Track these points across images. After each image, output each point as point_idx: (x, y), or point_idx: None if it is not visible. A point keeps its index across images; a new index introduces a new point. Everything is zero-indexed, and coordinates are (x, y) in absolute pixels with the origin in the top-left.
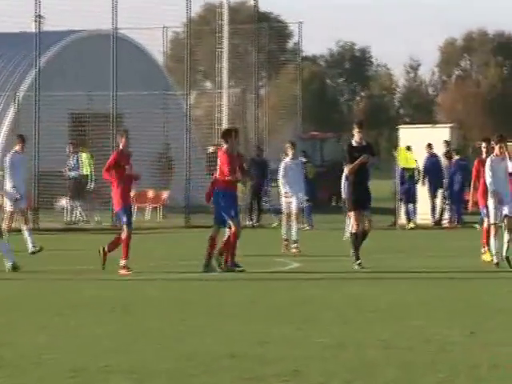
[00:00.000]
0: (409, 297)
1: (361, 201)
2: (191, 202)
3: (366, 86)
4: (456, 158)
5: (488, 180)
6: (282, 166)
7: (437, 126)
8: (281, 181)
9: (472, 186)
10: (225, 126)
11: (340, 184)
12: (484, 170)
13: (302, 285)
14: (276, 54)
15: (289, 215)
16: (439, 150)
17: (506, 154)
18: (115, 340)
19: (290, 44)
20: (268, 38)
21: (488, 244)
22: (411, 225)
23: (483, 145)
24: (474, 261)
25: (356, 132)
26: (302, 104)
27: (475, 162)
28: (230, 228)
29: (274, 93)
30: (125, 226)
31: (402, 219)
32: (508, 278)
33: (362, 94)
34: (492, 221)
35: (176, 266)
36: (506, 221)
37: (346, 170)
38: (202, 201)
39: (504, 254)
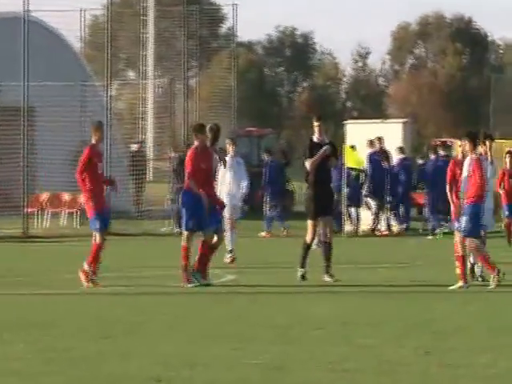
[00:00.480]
0: (358, 313)
1: (323, 207)
2: (112, 207)
3: (309, 76)
4: (400, 156)
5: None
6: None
7: (388, 120)
8: (220, 182)
9: (450, 192)
10: (150, 120)
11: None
12: (461, 173)
13: (238, 299)
14: (208, 39)
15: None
16: (392, 147)
17: (489, 154)
18: (24, 362)
19: (224, 29)
20: (199, 21)
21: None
22: (364, 228)
23: (458, 143)
24: (427, 272)
25: (315, 126)
26: (237, 96)
27: (450, 164)
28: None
29: (206, 83)
30: (97, 234)
31: (349, 225)
32: (464, 292)
33: (305, 84)
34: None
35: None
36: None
37: (307, 164)
38: (123, 205)
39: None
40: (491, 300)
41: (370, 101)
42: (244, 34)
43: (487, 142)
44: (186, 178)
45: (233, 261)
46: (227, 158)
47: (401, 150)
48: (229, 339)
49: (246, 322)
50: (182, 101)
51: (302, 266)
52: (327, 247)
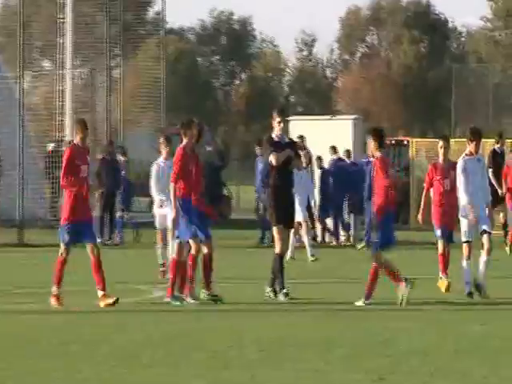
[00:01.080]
0: (304, 332)
1: (288, 214)
2: (26, 215)
3: (248, 67)
4: (333, 157)
5: (461, 189)
6: (153, 167)
7: (337, 117)
8: (153, 187)
9: (423, 199)
10: (69, 116)
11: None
12: (439, 178)
13: (168, 318)
14: (133, 25)
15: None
16: (341, 146)
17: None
18: None
19: (151, 13)
20: (123, 5)
21: (445, 270)
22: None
23: (440, 144)
24: (382, 289)
25: (276, 122)
26: (167, 89)
27: (429, 168)
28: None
29: (131, 75)
30: (62, 245)
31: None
32: (423, 311)
33: (243, 76)
34: (464, 238)
35: (9, 295)
36: (484, 239)
37: (272, 159)
38: (38, 213)
39: (479, 279)
40: (453, 319)
41: (317, 95)
42: (174, 20)
43: (441, 143)
44: (171, 182)
45: (164, 275)
46: (160, 163)
47: (333, 149)
48: (154, 362)
49: (177, 344)
50: (104, 94)
51: (283, 286)
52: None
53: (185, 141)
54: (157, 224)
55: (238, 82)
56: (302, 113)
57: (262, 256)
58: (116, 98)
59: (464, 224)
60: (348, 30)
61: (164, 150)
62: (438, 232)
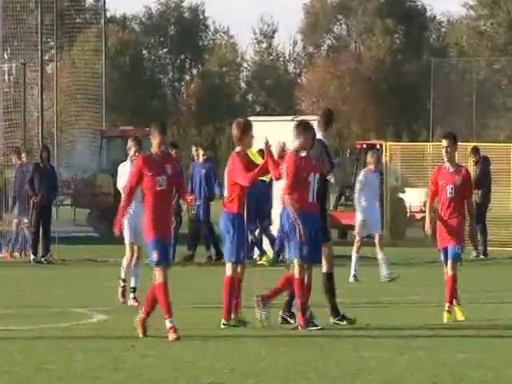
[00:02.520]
0: (259, 363)
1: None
2: None
3: (200, 61)
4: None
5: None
6: (119, 171)
7: (300, 117)
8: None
9: (428, 209)
10: None
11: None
12: (445, 185)
13: (106, 345)
14: (70, 14)
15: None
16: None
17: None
18: None
19: (90, 0)
20: None
21: (455, 296)
22: (264, 260)
23: (444, 143)
24: (351, 311)
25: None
26: (108, 85)
27: (434, 172)
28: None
29: (68, 70)
30: (157, 268)
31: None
32: (397, 337)
33: (194, 71)
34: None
35: None
36: None
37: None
38: None
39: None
40: (429, 346)
41: (278, 92)
42: (116, 7)
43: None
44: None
45: (137, 301)
46: (127, 165)
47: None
48: None
49: (114, 376)
50: (36, 91)
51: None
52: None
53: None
54: (126, 237)
55: (188, 77)
56: (262, 113)
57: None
58: (50, 96)
59: None
60: (313, 19)
61: (133, 152)
62: (442, 256)
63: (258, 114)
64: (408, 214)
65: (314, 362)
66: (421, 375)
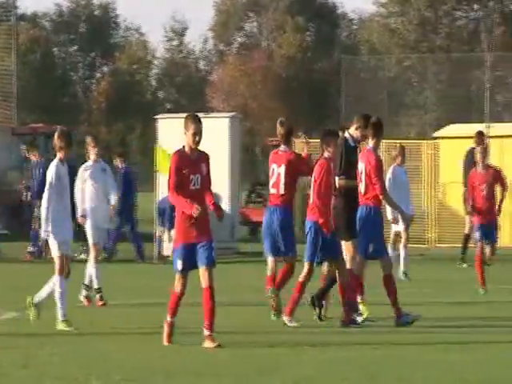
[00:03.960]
0: (175, 360)
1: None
2: None
3: (111, 59)
4: (117, 163)
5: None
6: (80, 171)
7: (212, 114)
8: (78, 193)
9: (470, 200)
10: None
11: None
12: (477, 181)
13: (16, 343)
14: None
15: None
16: (216, 148)
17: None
18: None
19: None
20: None
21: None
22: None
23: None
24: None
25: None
26: (18, 83)
27: (472, 171)
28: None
29: None
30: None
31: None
32: (311, 333)
33: (105, 68)
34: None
35: None
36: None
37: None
38: None
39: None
40: (352, 342)
41: (189, 90)
42: (26, 4)
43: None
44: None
45: (104, 303)
46: (88, 166)
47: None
48: None
49: (31, 372)
50: None
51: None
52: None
53: (328, 151)
54: (90, 237)
55: (99, 75)
56: (172, 110)
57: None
58: None
59: None
60: (224, 17)
61: (92, 151)
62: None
63: (169, 112)
64: None
65: (232, 360)
66: (335, 371)
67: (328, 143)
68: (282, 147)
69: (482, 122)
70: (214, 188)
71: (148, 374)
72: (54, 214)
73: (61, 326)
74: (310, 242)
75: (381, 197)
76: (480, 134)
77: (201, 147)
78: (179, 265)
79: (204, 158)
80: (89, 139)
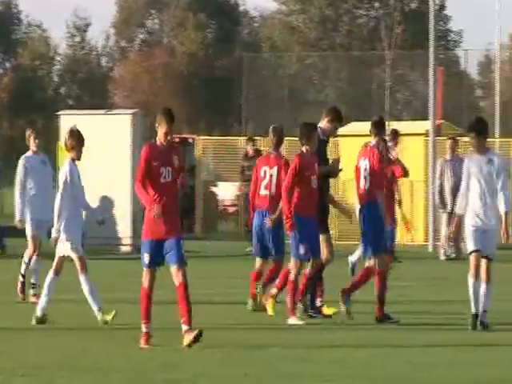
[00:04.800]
0: (79, 357)
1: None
2: None
3: (12, 54)
4: None
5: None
6: (20, 163)
7: (114, 111)
8: (18, 193)
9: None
10: None
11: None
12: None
13: None
14: None
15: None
16: (118, 145)
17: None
18: None
19: None
20: None
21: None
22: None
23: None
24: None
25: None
26: None
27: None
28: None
29: None
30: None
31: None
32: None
33: (7, 64)
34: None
35: None
36: None
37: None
38: None
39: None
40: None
41: (91, 86)
42: None
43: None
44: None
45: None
46: (28, 156)
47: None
48: None
49: None
50: None
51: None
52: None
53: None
54: (28, 230)
55: (1, 71)
56: (74, 106)
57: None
58: None
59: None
60: (126, 13)
61: (33, 143)
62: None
63: (71, 108)
64: (220, 208)
65: (117, 354)
66: (234, 370)
67: (309, 138)
68: (274, 153)
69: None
70: (117, 185)
71: (51, 369)
72: (67, 213)
73: (105, 318)
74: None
75: (379, 191)
76: (395, 133)
77: (102, 144)
78: (146, 259)
79: (175, 149)
80: (29, 131)
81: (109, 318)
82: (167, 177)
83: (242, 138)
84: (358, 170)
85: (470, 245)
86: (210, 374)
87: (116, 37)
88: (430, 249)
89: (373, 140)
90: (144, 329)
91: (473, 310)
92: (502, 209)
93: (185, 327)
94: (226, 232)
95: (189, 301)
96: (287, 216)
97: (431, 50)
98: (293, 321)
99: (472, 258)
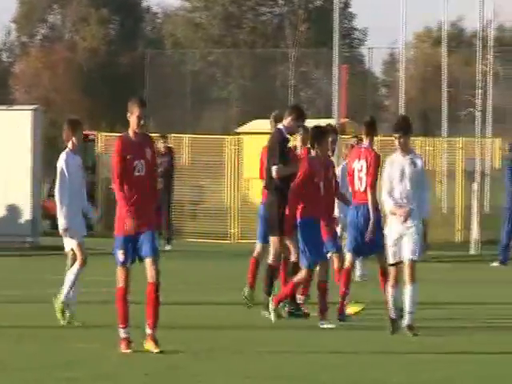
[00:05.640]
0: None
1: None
2: None
3: None
4: None
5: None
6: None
7: (14, 107)
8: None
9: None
10: None
11: None
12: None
13: None
14: None
15: None
16: (18, 141)
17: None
18: None
19: None
20: None
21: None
22: None
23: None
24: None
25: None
26: None
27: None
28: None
29: None
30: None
31: None
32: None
33: None
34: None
35: None
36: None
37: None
38: None
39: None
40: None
41: None
42: None
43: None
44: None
45: None
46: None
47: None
48: None
49: None
50: None
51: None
52: None
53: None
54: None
55: None
56: None
57: None
58: None
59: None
60: (27, 8)
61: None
62: None
63: None
64: None
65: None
66: (135, 369)
67: (320, 142)
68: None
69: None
70: (16, 182)
71: None
72: (68, 207)
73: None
74: None
75: (368, 189)
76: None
77: (2, 140)
78: (120, 256)
79: (148, 141)
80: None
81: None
82: (141, 170)
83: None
84: (352, 171)
85: (390, 256)
86: (114, 375)
87: (17, 32)
88: None
89: (365, 141)
90: (123, 334)
91: (392, 314)
92: (422, 209)
93: (149, 331)
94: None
95: (158, 303)
96: (289, 217)
97: (335, 48)
98: (325, 324)
99: (392, 269)
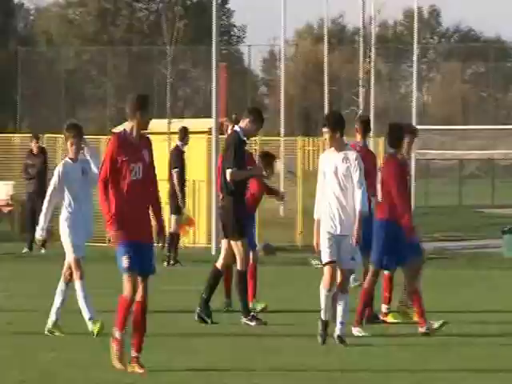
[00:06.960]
0: None
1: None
2: None
3: None
4: None
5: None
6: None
7: None
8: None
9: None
10: None
11: None
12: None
13: None
14: None
15: None
16: None
17: None
18: None
19: None
20: None
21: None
22: None
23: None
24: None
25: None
26: None
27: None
28: None
29: None
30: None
31: None
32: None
33: None
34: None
35: None
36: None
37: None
38: None
39: None
40: (18, 344)
41: None
42: None
43: None
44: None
45: None
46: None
47: None
48: None
49: None
50: None
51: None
52: None
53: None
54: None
55: None
56: None
57: None
58: None
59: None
60: None
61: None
62: None
63: None
64: None
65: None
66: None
67: (401, 143)
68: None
69: (163, 118)
70: None
71: None
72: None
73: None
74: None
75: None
76: (185, 130)
77: None
78: (125, 262)
79: (147, 143)
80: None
81: None
82: (138, 174)
83: (17, 135)
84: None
85: (324, 255)
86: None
87: None
88: (214, 251)
89: (360, 140)
90: (117, 336)
91: (323, 317)
92: (357, 207)
93: (134, 354)
94: (0, 232)
95: (144, 322)
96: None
97: (214, 45)
98: (356, 331)
99: (326, 269)
